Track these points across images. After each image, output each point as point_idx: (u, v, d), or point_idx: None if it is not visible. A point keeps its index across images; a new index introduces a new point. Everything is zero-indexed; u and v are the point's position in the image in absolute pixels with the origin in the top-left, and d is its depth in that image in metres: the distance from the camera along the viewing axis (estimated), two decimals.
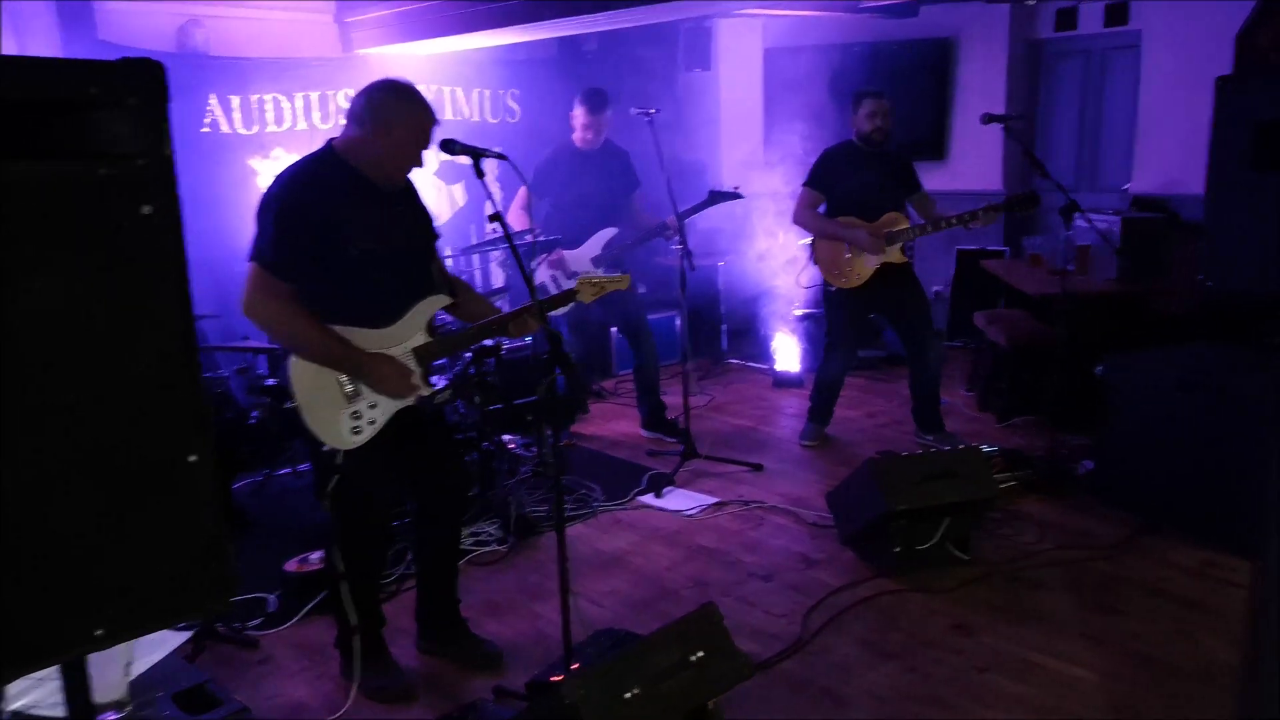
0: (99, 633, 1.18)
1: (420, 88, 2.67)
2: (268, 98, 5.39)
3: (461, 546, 3.40)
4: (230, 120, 5.27)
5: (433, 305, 2.78)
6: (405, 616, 3.18)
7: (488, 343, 4.02)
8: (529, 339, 4.47)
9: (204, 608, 1.27)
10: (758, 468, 4.61)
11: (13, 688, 1.95)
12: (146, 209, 1.13)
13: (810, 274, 4.92)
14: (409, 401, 2.72)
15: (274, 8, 5.66)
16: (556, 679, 2.55)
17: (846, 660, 2.94)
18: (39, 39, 4.64)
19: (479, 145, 2.57)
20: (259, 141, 5.36)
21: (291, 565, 3.42)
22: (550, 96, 6.20)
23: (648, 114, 4.51)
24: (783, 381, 6.13)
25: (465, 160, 2.55)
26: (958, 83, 6.83)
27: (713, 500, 4.23)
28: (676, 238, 4.58)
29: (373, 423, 2.67)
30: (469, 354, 4.14)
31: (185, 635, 2.95)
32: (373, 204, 2.65)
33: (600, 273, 4.65)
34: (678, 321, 5.16)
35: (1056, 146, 6.77)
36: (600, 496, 4.31)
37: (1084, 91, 6.60)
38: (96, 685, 1.35)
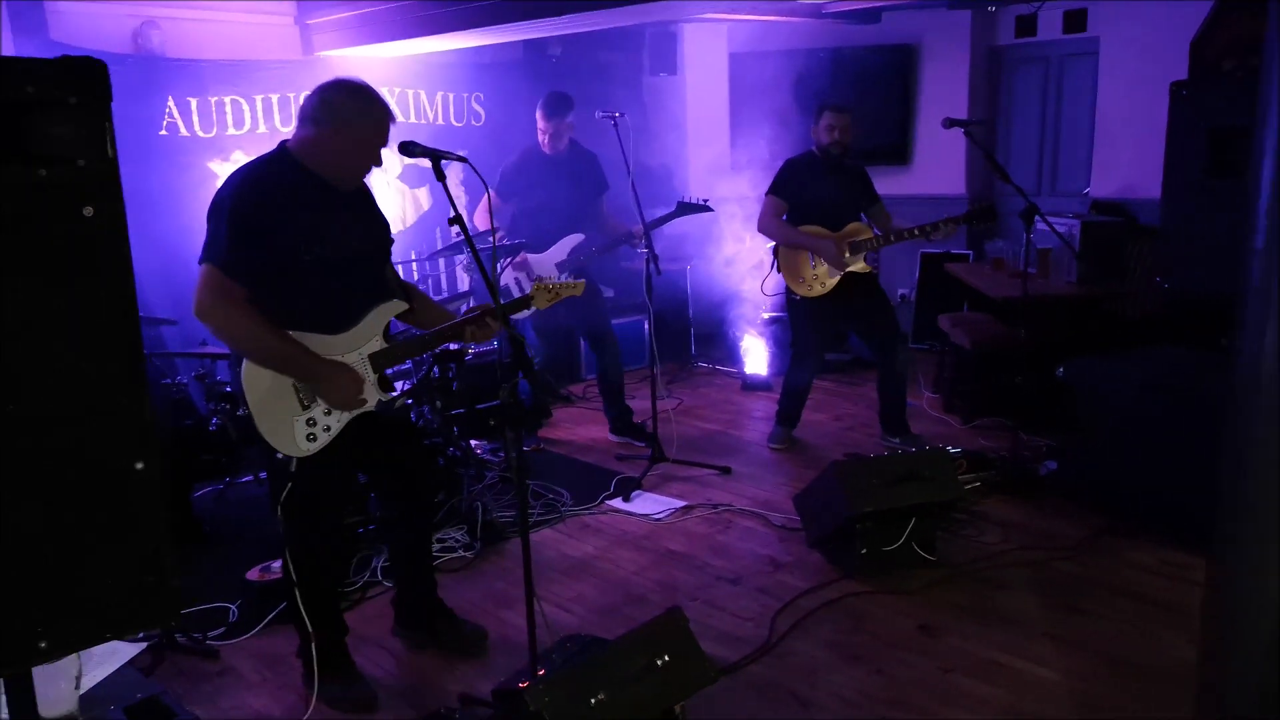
0: (43, 645, 1.15)
1: (383, 90, 2.63)
2: (227, 100, 5.31)
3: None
4: (189, 123, 5.19)
5: (389, 311, 2.74)
6: (370, 624, 3.15)
7: (451, 347, 3.98)
8: (495, 343, 4.43)
9: (152, 619, 1.24)
10: (726, 471, 4.62)
11: None
12: (88, 211, 1.10)
13: (774, 281, 4.92)
14: (369, 407, 2.69)
15: (233, 9, 5.58)
16: (523, 685, 2.52)
17: (813, 663, 2.94)
18: None
19: (442, 148, 2.54)
20: (218, 144, 5.28)
21: (253, 574, 3.38)
22: (516, 100, 6.16)
23: (613, 117, 4.49)
24: (751, 385, 6.15)
25: (426, 163, 2.52)
26: (921, 89, 6.90)
27: (681, 504, 4.23)
28: (643, 244, 4.57)
29: (328, 429, 2.62)
30: (430, 358, 4.10)
31: (140, 646, 2.89)
32: (328, 207, 2.60)
33: (560, 278, 4.62)
34: (645, 325, 5.16)
35: (1018, 151, 6.86)
36: (568, 501, 4.29)
37: (1044, 97, 6.69)
38: (44, 699, 1.31)
